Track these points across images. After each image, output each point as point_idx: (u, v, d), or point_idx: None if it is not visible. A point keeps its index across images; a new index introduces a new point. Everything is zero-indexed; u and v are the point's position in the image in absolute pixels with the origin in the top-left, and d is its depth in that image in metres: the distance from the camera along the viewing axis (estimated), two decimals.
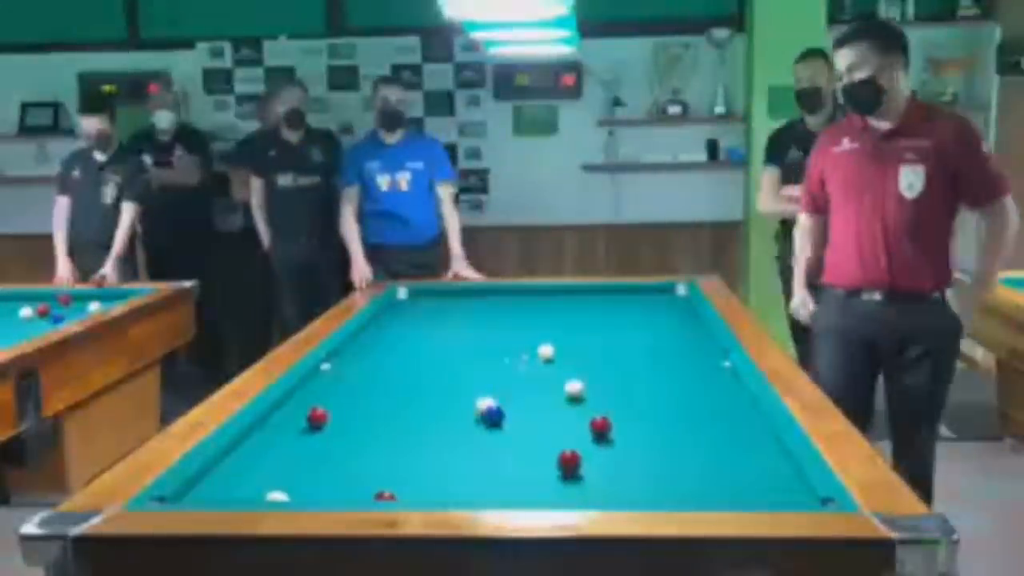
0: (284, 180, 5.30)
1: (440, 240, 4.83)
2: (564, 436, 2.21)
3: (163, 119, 5.71)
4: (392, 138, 4.80)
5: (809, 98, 4.23)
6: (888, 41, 2.95)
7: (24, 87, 6.35)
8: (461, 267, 4.62)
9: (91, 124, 5.00)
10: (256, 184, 5.43)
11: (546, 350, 3.07)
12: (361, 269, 4.62)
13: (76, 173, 5.10)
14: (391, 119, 4.77)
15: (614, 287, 4.39)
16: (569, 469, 2.01)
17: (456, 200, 5.05)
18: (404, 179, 4.77)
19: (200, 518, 1.78)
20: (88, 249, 5.00)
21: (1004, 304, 4.10)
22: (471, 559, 1.68)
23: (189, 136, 5.84)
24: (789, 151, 4.22)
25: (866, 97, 2.94)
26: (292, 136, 5.34)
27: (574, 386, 2.62)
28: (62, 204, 5.11)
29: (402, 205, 4.78)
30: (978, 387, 5.00)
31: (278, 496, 1.88)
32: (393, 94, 4.77)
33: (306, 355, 3.03)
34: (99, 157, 5.07)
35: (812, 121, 4.22)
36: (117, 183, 5.04)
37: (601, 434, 2.26)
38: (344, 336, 3.38)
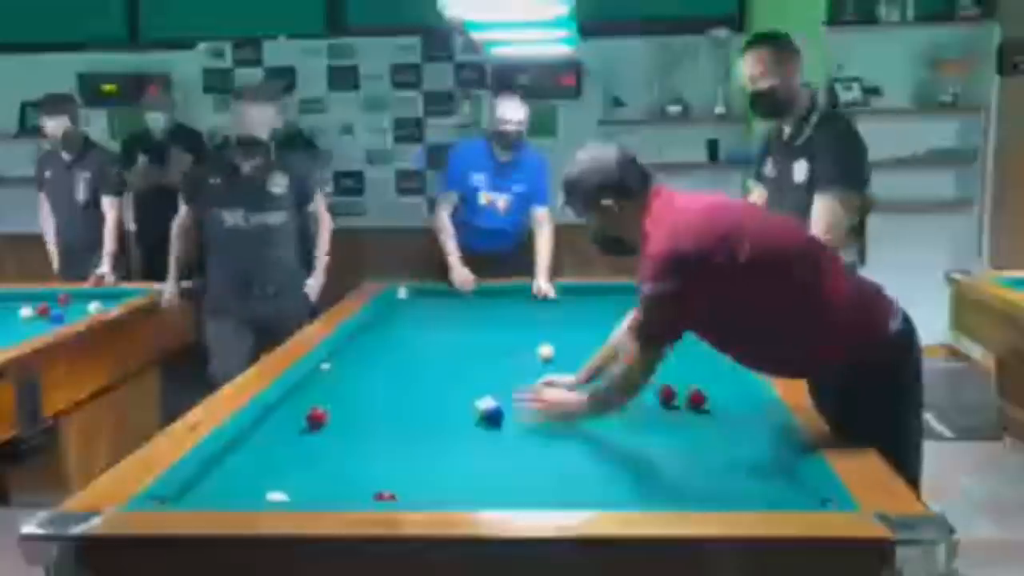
0: (232, 218, 4.02)
1: (524, 242, 4.63)
2: (564, 436, 2.20)
3: (154, 120, 5.70)
4: (506, 156, 4.54)
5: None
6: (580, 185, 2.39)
7: (24, 87, 6.34)
8: (545, 284, 4.39)
9: (54, 125, 4.93)
10: (182, 212, 4.18)
11: (546, 350, 3.07)
12: (464, 275, 4.44)
13: (48, 174, 5.08)
14: (510, 141, 4.46)
15: (614, 287, 4.38)
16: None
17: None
18: (504, 200, 4.55)
19: (200, 518, 1.78)
20: (73, 252, 4.99)
21: (1003, 304, 4.09)
22: (471, 559, 1.68)
23: (185, 136, 5.84)
24: (765, 164, 3.35)
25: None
26: (245, 165, 4.03)
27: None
28: (44, 199, 5.12)
29: (497, 221, 4.60)
30: (978, 387, 5.00)
31: (278, 496, 1.88)
32: (516, 114, 4.38)
33: (306, 355, 3.04)
34: (66, 157, 5.02)
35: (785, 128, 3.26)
36: (87, 179, 4.99)
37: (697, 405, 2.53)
38: (344, 336, 3.39)
